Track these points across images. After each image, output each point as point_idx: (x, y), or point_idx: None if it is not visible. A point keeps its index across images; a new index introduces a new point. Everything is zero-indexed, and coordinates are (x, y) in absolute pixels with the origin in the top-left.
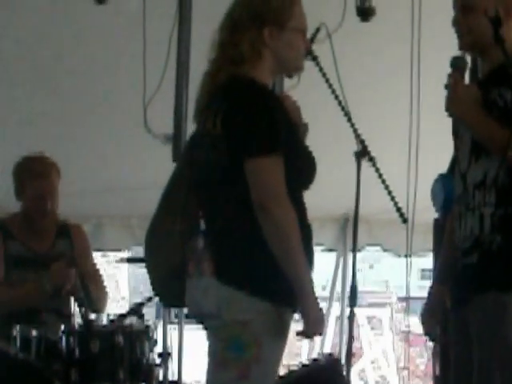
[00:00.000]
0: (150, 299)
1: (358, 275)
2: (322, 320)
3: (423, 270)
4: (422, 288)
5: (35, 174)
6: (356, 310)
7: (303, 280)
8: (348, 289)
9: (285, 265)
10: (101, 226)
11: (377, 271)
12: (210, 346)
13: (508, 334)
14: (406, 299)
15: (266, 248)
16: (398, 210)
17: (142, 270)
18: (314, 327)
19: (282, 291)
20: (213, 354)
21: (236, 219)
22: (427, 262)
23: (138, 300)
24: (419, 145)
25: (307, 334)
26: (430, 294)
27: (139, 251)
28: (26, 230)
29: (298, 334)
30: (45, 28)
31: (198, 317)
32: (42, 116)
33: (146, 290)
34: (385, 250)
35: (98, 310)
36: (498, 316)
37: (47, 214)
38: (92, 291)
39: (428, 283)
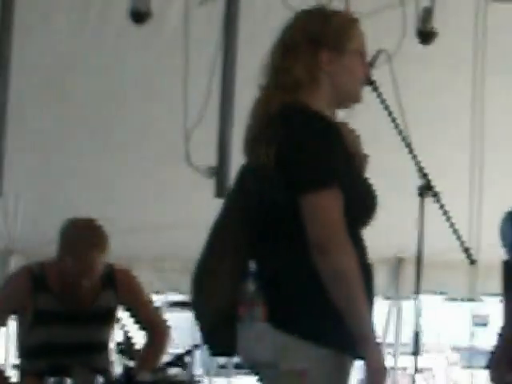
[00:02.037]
0: (189, 352)
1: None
2: (384, 372)
3: (475, 316)
4: (474, 336)
5: (88, 245)
6: (407, 359)
7: (364, 326)
8: (402, 337)
9: (344, 310)
10: (133, 269)
11: (428, 320)
12: None
13: None
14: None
15: (323, 290)
16: (466, 250)
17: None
18: (376, 377)
19: (342, 337)
20: None
21: (291, 260)
22: (479, 306)
23: (179, 351)
24: (483, 180)
25: (370, 383)
26: (499, 339)
27: (172, 298)
28: (64, 283)
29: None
30: (75, 54)
31: (251, 366)
32: (76, 149)
33: (180, 338)
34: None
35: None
36: None
37: (92, 279)
38: (154, 333)
39: (481, 330)
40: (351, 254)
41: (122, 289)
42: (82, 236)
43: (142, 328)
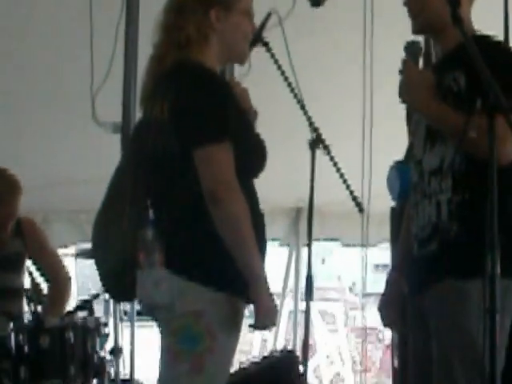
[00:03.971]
0: (97, 296)
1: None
2: (275, 311)
3: (377, 265)
4: (376, 283)
5: (1, 201)
6: (310, 304)
7: (255, 270)
8: (301, 283)
9: (236, 254)
10: (48, 222)
11: (329, 266)
12: (162, 340)
13: (467, 324)
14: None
15: (217, 237)
16: (355, 199)
17: (89, 267)
18: (266, 318)
19: (235, 281)
20: (165, 347)
21: (186, 208)
22: (381, 255)
23: (86, 297)
24: (373, 133)
25: (260, 325)
26: (387, 283)
27: (86, 247)
28: None
29: (251, 326)
30: None
31: (150, 310)
32: None
33: (94, 287)
34: (343, 245)
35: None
36: (457, 305)
37: (5, 231)
38: (55, 282)
39: (382, 277)
40: (242, 201)
41: (29, 237)
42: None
43: (46, 279)
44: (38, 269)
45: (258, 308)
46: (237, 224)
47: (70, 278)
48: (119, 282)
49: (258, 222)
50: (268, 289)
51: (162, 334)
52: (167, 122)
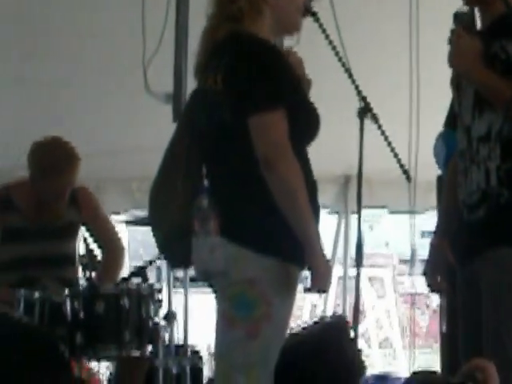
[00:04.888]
0: (151, 262)
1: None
2: (329, 275)
3: (424, 232)
4: (423, 249)
5: (59, 171)
6: (359, 271)
7: (310, 235)
8: (350, 250)
9: (291, 220)
10: (100, 189)
11: (376, 233)
12: (218, 306)
13: None
14: (411, 258)
15: (272, 204)
16: (402, 167)
17: (141, 234)
18: (322, 282)
19: (289, 247)
20: (221, 313)
21: (241, 176)
22: (428, 222)
23: (140, 264)
24: (420, 102)
25: (315, 289)
26: (431, 248)
27: (138, 214)
28: (34, 204)
29: (306, 289)
30: None
31: (205, 276)
32: (39, 78)
33: (146, 253)
34: (391, 212)
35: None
36: (507, 270)
37: (63, 200)
38: (109, 250)
39: (423, 241)
40: (296, 168)
41: (83, 206)
42: (53, 160)
43: (99, 246)
44: (92, 236)
45: (313, 273)
46: (291, 189)
47: (123, 247)
48: (175, 249)
49: (311, 188)
50: (323, 253)
51: (217, 300)
52: (222, 92)
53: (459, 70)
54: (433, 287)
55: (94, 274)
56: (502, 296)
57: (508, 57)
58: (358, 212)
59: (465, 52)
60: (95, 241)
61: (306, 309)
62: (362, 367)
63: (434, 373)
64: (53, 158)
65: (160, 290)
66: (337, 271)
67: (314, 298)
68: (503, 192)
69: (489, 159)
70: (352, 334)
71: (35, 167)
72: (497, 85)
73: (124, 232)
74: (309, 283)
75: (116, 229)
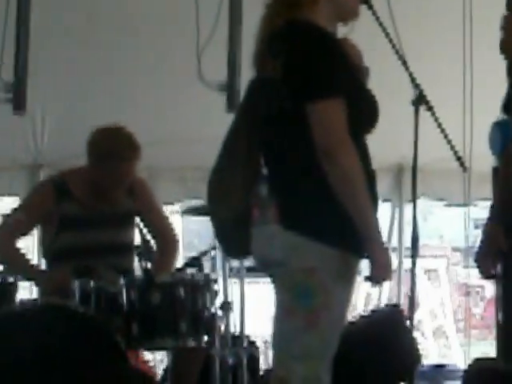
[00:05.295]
0: (206, 252)
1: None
2: (389, 265)
3: (478, 223)
4: (478, 240)
5: (120, 158)
6: (415, 262)
7: (369, 225)
8: (404, 240)
9: (350, 210)
10: (154, 179)
11: (431, 223)
12: (276, 295)
13: None
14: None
15: (331, 193)
16: (459, 158)
17: (195, 224)
18: (382, 272)
19: (349, 237)
20: (280, 303)
21: (300, 164)
22: (482, 213)
23: (194, 254)
24: (473, 92)
25: (375, 279)
26: (484, 235)
27: (192, 204)
28: (91, 192)
29: (367, 278)
30: None
31: (263, 265)
32: (93, 67)
33: (201, 243)
34: (445, 203)
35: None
36: None
37: (121, 188)
38: (163, 242)
39: (477, 232)
40: (354, 156)
41: (139, 196)
42: (116, 146)
43: (153, 236)
44: (146, 226)
45: (373, 263)
46: (350, 179)
47: (177, 239)
48: (234, 238)
49: (369, 178)
50: (382, 243)
51: (275, 289)
52: (280, 80)
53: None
54: (485, 274)
55: (149, 264)
56: None
57: None
58: (414, 202)
59: None
60: (149, 231)
61: (361, 298)
62: (417, 356)
63: (494, 360)
64: (116, 145)
65: (216, 280)
66: (394, 261)
67: (369, 287)
68: None
69: None
70: (407, 324)
71: (96, 153)
72: None
73: (178, 222)
74: (369, 273)
75: (170, 220)
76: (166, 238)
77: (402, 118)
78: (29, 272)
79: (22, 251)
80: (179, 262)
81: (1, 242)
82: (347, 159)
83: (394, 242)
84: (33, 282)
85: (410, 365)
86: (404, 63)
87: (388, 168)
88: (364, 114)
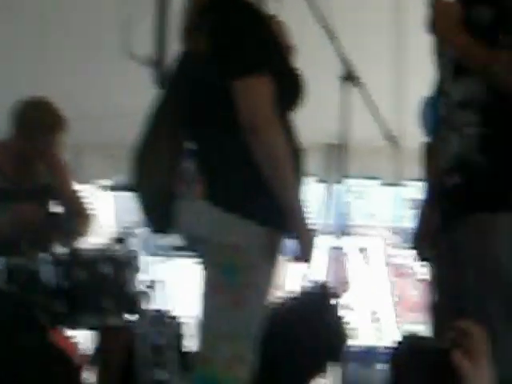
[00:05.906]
0: (132, 229)
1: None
2: (312, 244)
3: (411, 202)
4: (411, 219)
5: (45, 130)
6: (345, 241)
7: (294, 203)
8: (336, 219)
9: (275, 187)
10: (81, 155)
11: (363, 203)
12: (203, 272)
13: (501, 256)
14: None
15: (256, 170)
16: (388, 135)
17: (125, 200)
18: (306, 250)
19: (273, 214)
20: (206, 279)
21: (227, 140)
22: (415, 192)
23: (121, 230)
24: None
25: (303, 257)
26: (421, 216)
27: (122, 180)
28: (13, 163)
29: (291, 259)
30: None
31: (190, 241)
32: (17, 41)
33: (130, 219)
34: (378, 182)
35: (81, 235)
36: (489, 237)
37: (40, 162)
38: (74, 217)
39: (409, 212)
40: (280, 133)
41: (54, 171)
42: (42, 119)
43: (66, 211)
44: (58, 198)
45: (299, 241)
46: (275, 156)
47: (89, 214)
48: (159, 215)
49: (295, 155)
50: (306, 222)
51: (202, 266)
52: (208, 55)
53: (438, 35)
54: (420, 256)
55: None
56: (480, 263)
57: (485, 23)
58: (342, 181)
59: (444, 16)
60: (61, 204)
61: (289, 278)
62: (344, 335)
63: (423, 338)
64: (40, 117)
65: (139, 257)
66: (324, 240)
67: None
68: (480, 158)
69: (467, 125)
70: (334, 303)
71: (21, 125)
72: (476, 50)
73: (109, 199)
74: (294, 251)
75: (82, 197)
76: (78, 211)
77: (333, 96)
78: None
79: None
80: (106, 237)
81: None
82: (273, 137)
83: (325, 221)
84: None
85: (336, 344)
86: (333, 40)
87: (318, 146)
88: (290, 91)
